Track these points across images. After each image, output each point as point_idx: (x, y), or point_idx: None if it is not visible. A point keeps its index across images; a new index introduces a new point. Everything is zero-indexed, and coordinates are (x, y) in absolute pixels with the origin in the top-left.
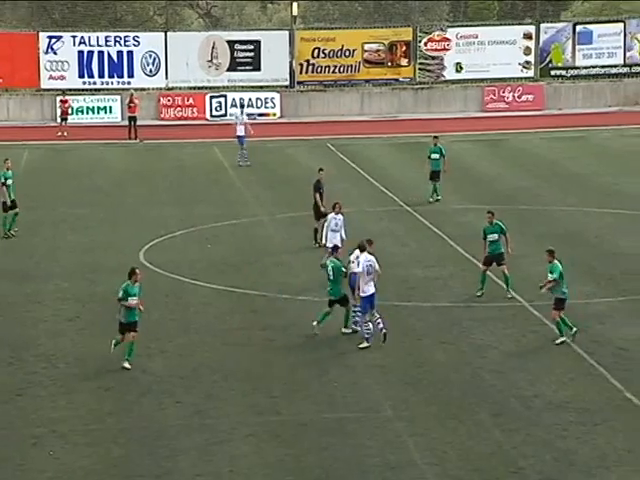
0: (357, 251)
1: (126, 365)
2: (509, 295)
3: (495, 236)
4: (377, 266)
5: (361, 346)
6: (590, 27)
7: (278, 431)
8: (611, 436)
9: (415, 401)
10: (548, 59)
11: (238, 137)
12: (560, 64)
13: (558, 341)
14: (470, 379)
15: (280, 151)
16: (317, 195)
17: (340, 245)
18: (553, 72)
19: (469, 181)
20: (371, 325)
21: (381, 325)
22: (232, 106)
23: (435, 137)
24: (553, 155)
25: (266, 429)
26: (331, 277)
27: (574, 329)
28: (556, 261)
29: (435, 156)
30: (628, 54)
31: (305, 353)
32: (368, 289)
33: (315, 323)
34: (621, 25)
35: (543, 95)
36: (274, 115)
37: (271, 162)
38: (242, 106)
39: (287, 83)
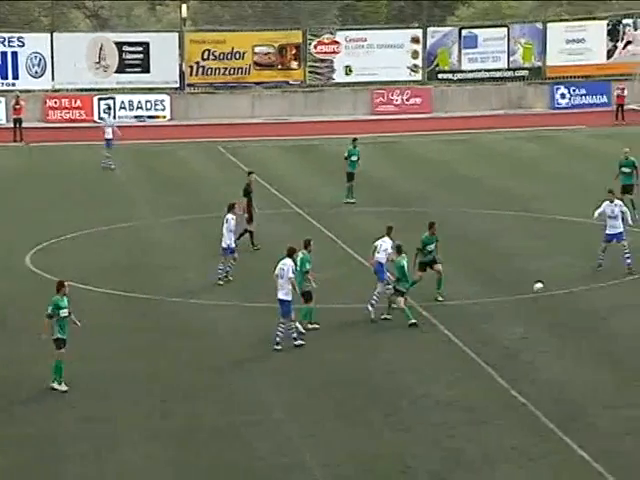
0: (301, 252)
1: (62, 387)
2: (440, 298)
3: (432, 246)
4: (290, 273)
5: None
6: (475, 31)
7: (169, 435)
8: (497, 434)
9: (307, 403)
10: (435, 63)
11: (106, 140)
12: (447, 68)
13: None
14: (361, 380)
15: (170, 154)
16: (246, 199)
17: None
18: (440, 75)
19: (360, 183)
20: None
21: (294, 335)
22: (121, 108)
23: (354, 139)
24: (441, 157)
25: (157, 433)
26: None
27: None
28: (403, 255)
29: (354, 158)
30: (511, 58)
31: (197, 356)
32: (278, 294)
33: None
34: (505, 30)
35: (431, 98)
36: (164, 117)
37: (161, 165)
38: (109, 109)
39: (177, 85)
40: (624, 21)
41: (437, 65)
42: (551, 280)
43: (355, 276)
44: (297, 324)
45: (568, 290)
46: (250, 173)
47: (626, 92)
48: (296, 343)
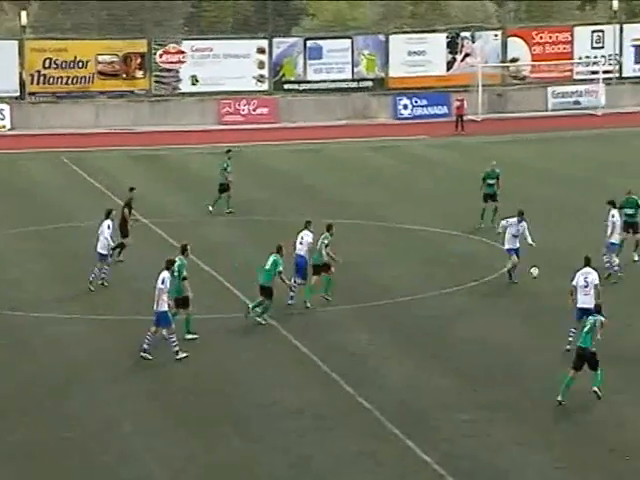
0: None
1: None
2: (328, 298)
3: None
4: (161, 284)
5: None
6: (320, 42)
7: (12, 452)
8: (344, 440)
9: (154, 415)
10: (281, 73)
11: None
12: (292, 78)
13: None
14: (211, 390)
15: (11, 164)
16: (125, 211)
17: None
18: (286, 86)
19: (208, 193)
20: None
21: (176, 348)
22: None
23: (228, 151)
24: (287, 167)
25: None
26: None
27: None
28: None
29: (229, 170)
30: (355, 69)
31: (38, 370)
32: (154, 305)
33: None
34: (349, 41)
35: (277, 108)
36: (3, 127)
37: (1, 175)
38: None
39: (17, 94)
40: (462, 34)
41: (283, 75)
42: (393, 287)
43: (205, 287)
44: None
45: (411, 297)
46: (132, 189)
47: (465, 103)
48: (177, 357)
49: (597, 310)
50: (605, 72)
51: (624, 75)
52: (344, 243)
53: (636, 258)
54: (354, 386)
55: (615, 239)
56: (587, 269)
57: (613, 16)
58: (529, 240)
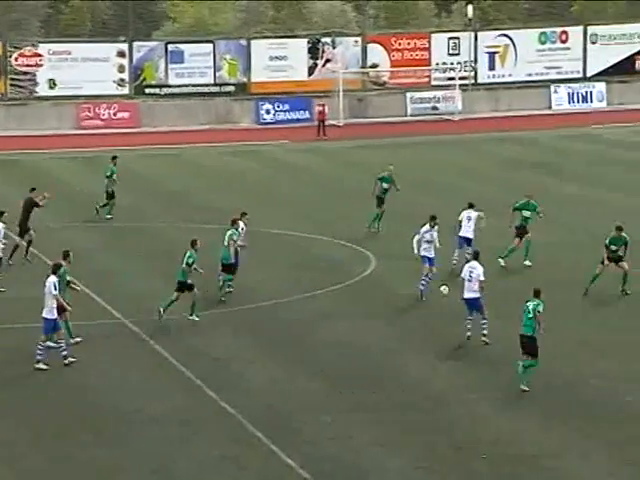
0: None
1: None
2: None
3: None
4: (53, 289)
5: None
6: (181, 47)
7: None
8: (208, 445)
9: (9, 426)
10: (142, 77)
11: None
12: (154, 82)
13: None
14: (73, 399)
15: None
16: (25, 213)
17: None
18: (147, 90)
19: (65, 198)
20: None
21: (64, 353)
22: None
23: (114, 157)
24: (150, 172)
25: None
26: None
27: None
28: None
29: (115, 177)
30: (218, 74)
31: None
32: (43, 311)
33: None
34: (211, 46)
35: (138, 113)
36: None
37: None
38: None
39: None
40: (323, 39)
41: (144, 80)
42: (258, 291)
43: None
44: (49, 343)
45: (275, 301)
46: (32, 189)
47: (326, 108)
48: (66, 362)
49: (536, 294)
50: (461, 78)
51: (479, 81)
52: (212, 248)
53: (528, 263)
54: (217, 391)
55: (464, 233)
56: (473, 263)
57: (468, 24)
58: (438, 245)
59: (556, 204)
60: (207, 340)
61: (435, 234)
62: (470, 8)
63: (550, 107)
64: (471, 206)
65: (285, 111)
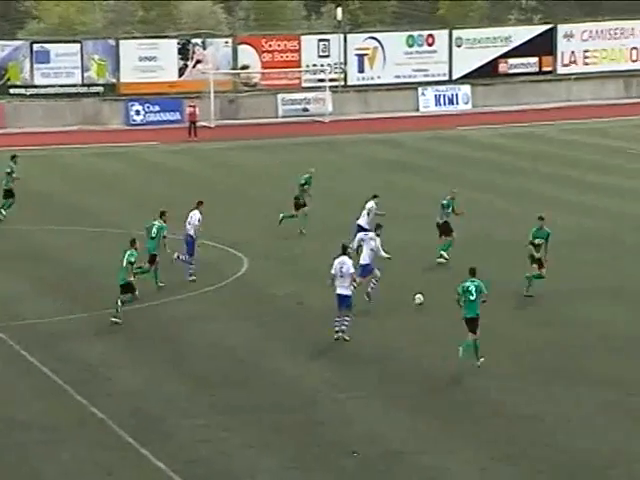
0: None
1: None
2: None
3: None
4: None
5: None
6: (47, 46)
7: None
8: (77, 451)
9: None
10: (6, 77)
11: None
12: (19, 82)
13: None
14: None
15: None
16: None
17: None
18: (12, 90)
19: None
20: None
21: None
22: None
23: (13, 156)
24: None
25: None
26: None
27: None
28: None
29: (10, 172)
30: (86, 74)
31: None
32: None
33: None
34: (78, 45)
35: (3, 113)
36: None
37: None
38: None
39: None
40: (193, 40)
41: (8, 80)
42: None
43: None
44: None
45: (147, 304)
46: None
47: (197, 109)
48: None
49: (473, 273)
50: (331, 80)
51: (349, 83)
52: (79, 251)
53: (446, 257)
54: (86, 396)
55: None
56: (343, 258)
57: (338, 26)
58: (384, 254)
59: (424, 204)
60: (77, 345)
61: (379, 242)
62: (339, 11)
63: (418, 109)
64: (375, 196)
65: (155, 112)
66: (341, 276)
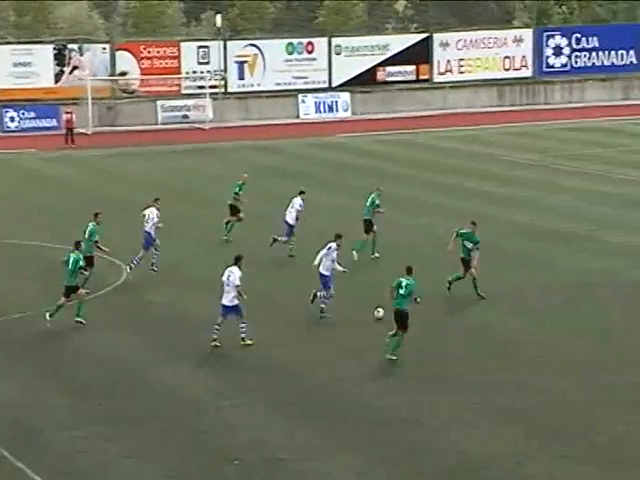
0: None
1: None
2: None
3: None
4: None
5: None
6: None
7: None
8: None
9: None
10: None
11: None
12: None
13: None
14: None
15: None
16: None
17: None
18: None
19: None
20: None
21: None
22: None
23: None
24: None
25: None
26: None
27: None
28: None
29: None
30: None
31: None
32: None
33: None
34: None
35: None
36: None
37: None
38: None
39: None
40: (70, 46)
41: None
42: (3, 305)
43: None
44: None
45: (23, 314)
46: None
47: (74, 116)
48: None
49: (409, 272)
50: (211, 87)
51: (229, 90)
52: None
53: (376, 254)
54: None
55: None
56: (233, 268)
57: (217, 33)
58: (340, 268)
59: (307, 211)
60: None
61: (334, 254)
62: (219, 17)
63: (298, 116)
64: (302, 192)
65: (31, 119)
66: (227, 285)
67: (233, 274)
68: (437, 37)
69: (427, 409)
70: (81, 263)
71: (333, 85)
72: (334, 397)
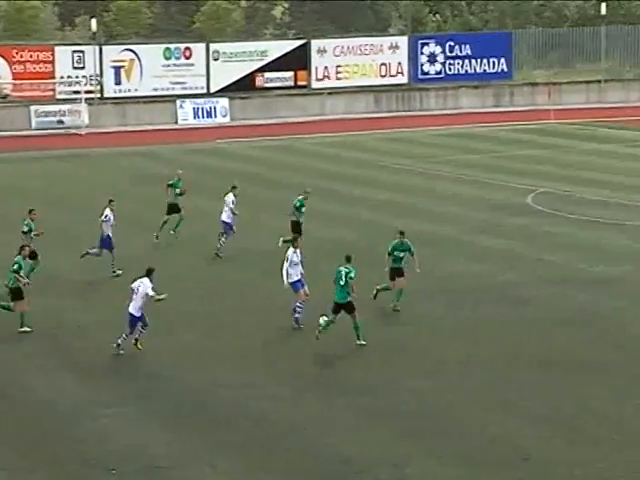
0: None
1: None
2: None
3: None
4: None
5: None
6: None
7: None
8: None
9: None
10: None
11: None
12: None
13: None
14: None
15: None
16: None
17: None
18: None
19: None
20: None
21: None
22: None
23: None
24: None
25: None
26: None
27: None
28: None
29: None
30: None
31: None
32: None
33: None
34: None
35: None
36: None
37: None
38: None
39: None
40: None
41: None
42: None
43: None
44: None
45: None
46: None
47: None
48: None
49: (348, 260)
50: (87, 92)
51: (105, 95)
52: None
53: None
54: None
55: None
56: (143, 279)
57: (93, 37)
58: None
59: (189, 218)
60: None
61: (298, 257)
62: (94, 22)
63: (176, 122)
64: (234, 187)
65: None
66: (135, 293)
67: (143, 284)
68: (315, 43)
69: (307, 414)
70: (15, 267)
71: (211, 91)
72: (212, 404)
